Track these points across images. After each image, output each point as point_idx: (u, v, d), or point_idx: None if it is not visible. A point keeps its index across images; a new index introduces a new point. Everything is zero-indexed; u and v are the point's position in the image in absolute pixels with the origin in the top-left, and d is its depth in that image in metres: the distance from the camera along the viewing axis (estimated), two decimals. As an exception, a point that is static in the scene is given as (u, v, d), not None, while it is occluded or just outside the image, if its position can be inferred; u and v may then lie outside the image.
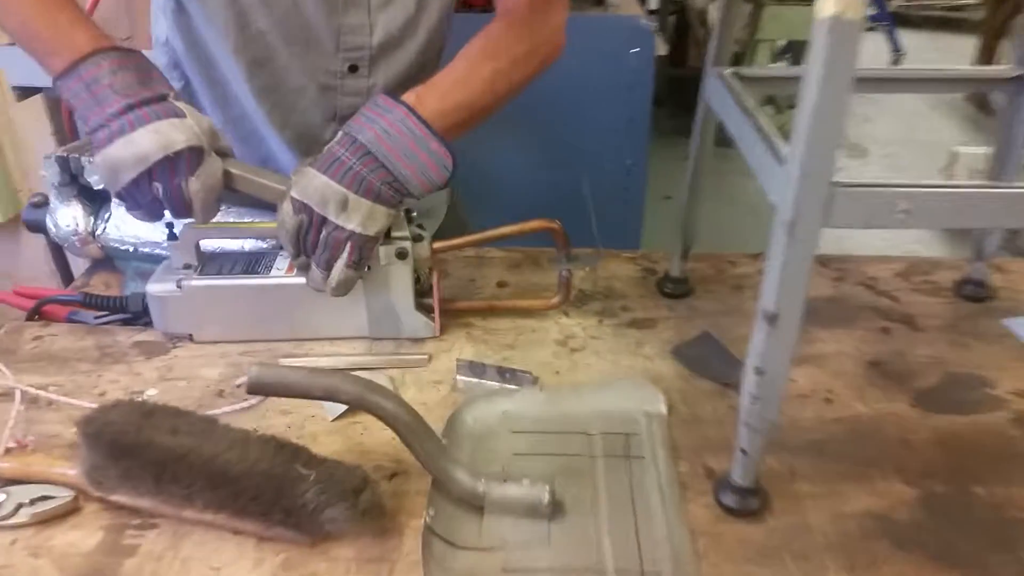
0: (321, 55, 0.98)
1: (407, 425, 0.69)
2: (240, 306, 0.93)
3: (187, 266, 0.94)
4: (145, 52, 0.95)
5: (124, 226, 1.09)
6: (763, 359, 0.66)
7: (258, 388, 0.67)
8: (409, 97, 0.87)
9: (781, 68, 0.91)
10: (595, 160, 2.25)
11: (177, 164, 0.82)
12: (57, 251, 1.22)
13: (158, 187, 0.83)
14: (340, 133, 0.85)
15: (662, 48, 2.13)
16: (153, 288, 0.93)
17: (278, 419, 0.83)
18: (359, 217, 0.84)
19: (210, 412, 0.82)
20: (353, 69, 1.00)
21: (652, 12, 2.19)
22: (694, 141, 0.96)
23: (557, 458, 0.78)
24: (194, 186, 0.83)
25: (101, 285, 1.12)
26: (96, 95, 0.82)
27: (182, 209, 0.85)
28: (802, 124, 0.57)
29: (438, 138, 0.85)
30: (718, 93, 0.83)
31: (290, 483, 0.67)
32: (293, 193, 0.84)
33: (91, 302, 0.98)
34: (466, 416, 0.81)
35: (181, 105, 0.85)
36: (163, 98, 0.85)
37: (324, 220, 0.84)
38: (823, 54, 0.54)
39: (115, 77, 0.83)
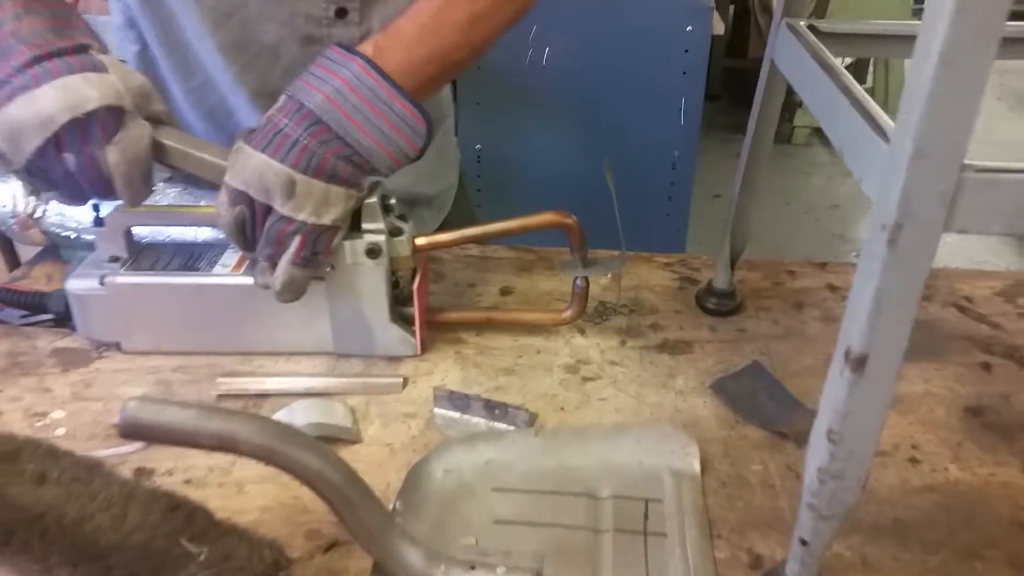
0: None
1: (337, 489, 0.50)
2: (175, 310, 0.76)
3: (114, 259, 0.77)
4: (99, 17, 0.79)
5: (67, 209, 0.92)
6: (842, 419, 0.46)
7: (133, 431, 0.49)
8: (366, 48, 0.68)
9: (875, 24, 0.69)
10: (638, 151, 2.05)
11: (90, 128, 0.65)
12: (2, 236, 1.06)
13: (69, 158, 0.66)
14: (283, 97, 0.67)
15: (719, 27, 1.91)
16: (73, 285, 0.76)
17: (200, 459, 0.65)
18: (311, 204, 0.66)
19: (115, 449, 0.65)
20: (341, 13, 0.82)
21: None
22: (754, 112, 0.75)
23: (550, 530, 0.58)
24: (112, 156, 0.66)
25: (43, 277, 0.96)
26: None
27: (102, 186, 0.69)
28: (922, 80, 0.37)
29: (406, 97, 0.66)
30: (790, 49, 0.63)
31: (171, 563, 0.49)
32: (227, 178, 0.67)
33: (6, 298, 0.82)
34: (435, 467, 0.62)
35: (106, 59, 0.69)
36: (82, 49, 0.68)
37: (269, 209, 0.66)
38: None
39: (20, 23, 0.67)
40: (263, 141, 0.65)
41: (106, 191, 0.70)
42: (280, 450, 0.49)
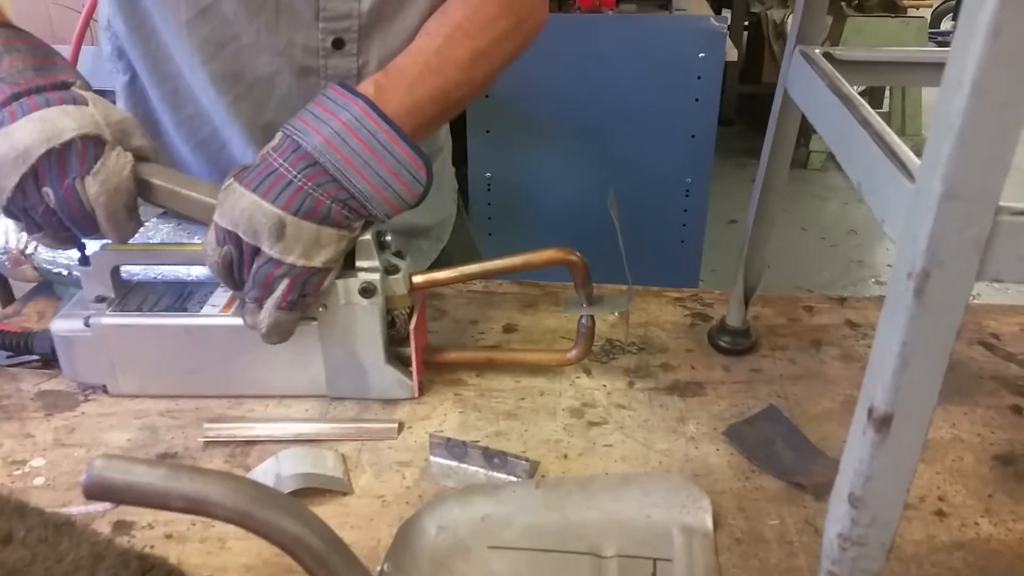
0: (296, 27, 0.78)
1: (316, 555, 0.46)
2: (162, 352, 0.73)
3: (100, 299, 0.74)
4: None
5: (59, 244, 0.90)
6: (864, 482, 0.42)
7: (99, 492, 0.46)
8: (367, 88, 0.66)
9: (893, 51, 0.65)
10: (651, 178, 2.02)
11: (68, 159, 0.63)
12: (-5, 271, 1.04)
13: (48, 193, 0.64)
14: (279, 135, 0.65)
15: (732, 53, 1.88)
16: (57, 325, 0.73)
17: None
18: (300, 246, 0.63)
19: (93, 505, 0.62)
20: (338, 44, 0.80)
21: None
22: (767, 143, 0.71)
23: (551, 594, 0.54)
24: (92, 187, 0.64)
25: (35, 314, 0.93)
26: None
27: (85, 222, 0.66)
28: (952, 112, 0.33)
29: (407, 142, 0.64)
30: (804, 79, 0.59)
31: (138, 635, 0.45)
32: (216, 217, 0.64)
33: (-10, 338, 0.79)
34: (428, 523, 0.58)
35: (87, 94, 0.67)
36: (63, 86, 0.66)
37: (257, 251, 0.63)
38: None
39: (1, 62, 0.66)
40: (255, 180, 0.63)
41: (89, 227, 0.67)
42: (255, 513, 0.45)
